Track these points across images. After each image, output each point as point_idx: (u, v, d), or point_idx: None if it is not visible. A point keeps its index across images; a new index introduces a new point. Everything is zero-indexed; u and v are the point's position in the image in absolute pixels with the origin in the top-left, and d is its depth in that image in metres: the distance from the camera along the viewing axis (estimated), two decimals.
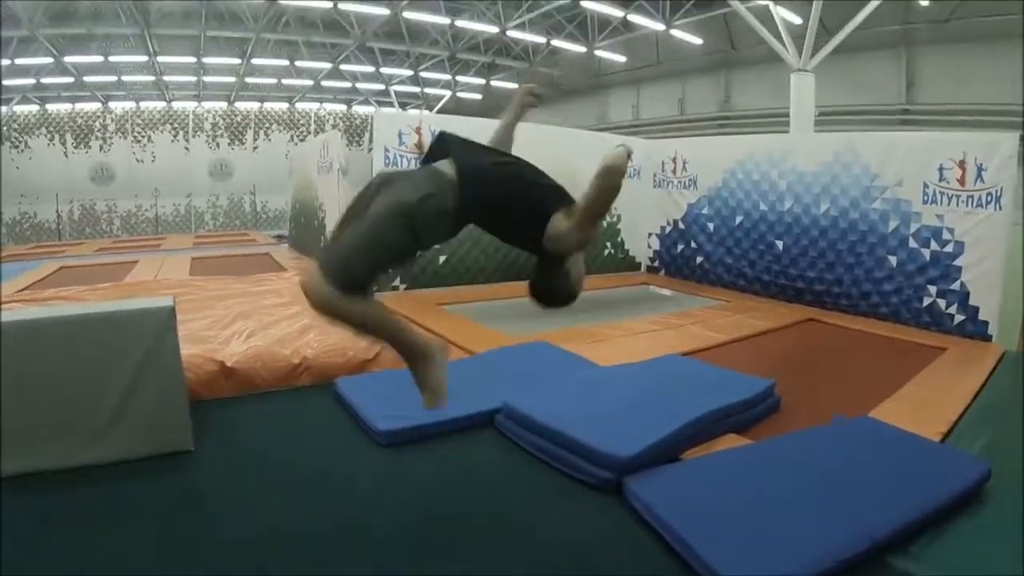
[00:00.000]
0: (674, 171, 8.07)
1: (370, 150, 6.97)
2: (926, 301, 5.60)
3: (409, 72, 17.78)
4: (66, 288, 6.86)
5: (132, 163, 18.93)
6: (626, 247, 8.55)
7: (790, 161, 6.74)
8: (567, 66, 17.18)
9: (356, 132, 21.93)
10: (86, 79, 16.80)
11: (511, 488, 2.74)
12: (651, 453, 2.71)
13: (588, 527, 2.41)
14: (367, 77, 18.36)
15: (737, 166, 7.27)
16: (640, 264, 8.65)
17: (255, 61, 16.61)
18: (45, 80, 16.74)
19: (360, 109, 21.50)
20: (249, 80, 18.28)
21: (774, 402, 3.62)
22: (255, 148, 20.44)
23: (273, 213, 20.82)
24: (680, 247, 8.07)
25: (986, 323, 5.23)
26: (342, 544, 2.30)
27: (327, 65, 17.12)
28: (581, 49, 15.58)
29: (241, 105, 20.25)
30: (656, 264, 8.49)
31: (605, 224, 8.29)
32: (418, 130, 6.67)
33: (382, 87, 18.34)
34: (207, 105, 19.74)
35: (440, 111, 18.84)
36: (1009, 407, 3.65)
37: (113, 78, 16.92)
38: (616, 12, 13.98)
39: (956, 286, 5.39)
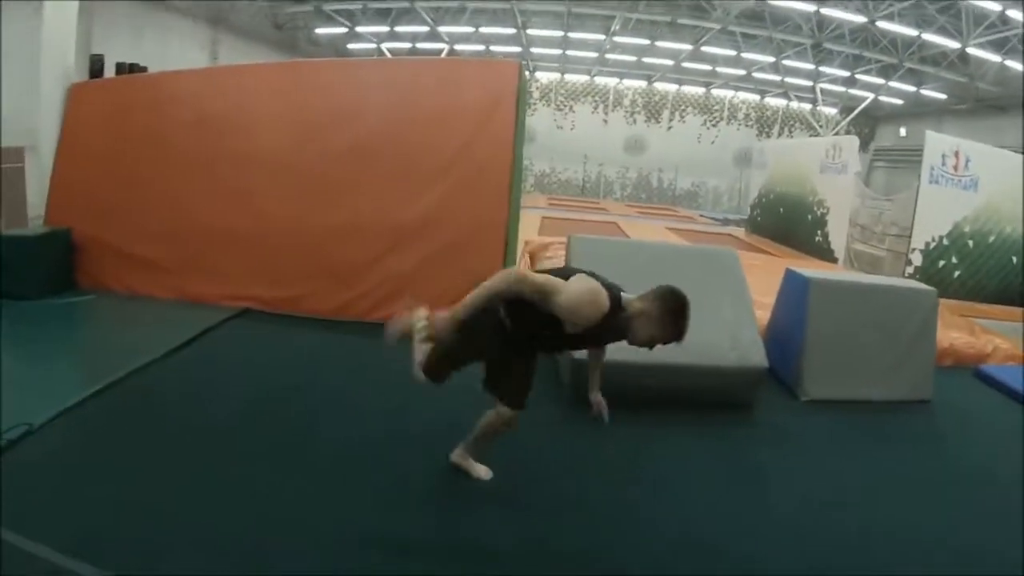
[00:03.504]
0: None
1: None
2: None
3: (771, 59, 17.25)
4: None
5: (552, 128, 22.71)
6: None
7: None
8: (983, 74, 15.50)
9: (767, 123, 23.15)
10: (456, 47, 18.61)
11: None
12: None
13: None
14: (727, 61, 18.33)
15: None
16: None
17: (616, 39, 17.55)
18: (420, 45, 18.62)
19: (746, 96, 22.38)
20: (609, 56, 19.47)
21: None
22: (669, 128, 22.97)
23: (680, 192, 23.10)
24: None
25: None
26: None
27: (688, 46, 17.31)
28: (995, 58, 13.62)
29: (659, 85, 22.60)
30: None
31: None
32: (956, 154, 8.02)
33: (742, 72, 18.71)
34: (627, 82, 22.64)
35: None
36: None
37: (481, 47, 18.67)
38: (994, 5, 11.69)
39: None
